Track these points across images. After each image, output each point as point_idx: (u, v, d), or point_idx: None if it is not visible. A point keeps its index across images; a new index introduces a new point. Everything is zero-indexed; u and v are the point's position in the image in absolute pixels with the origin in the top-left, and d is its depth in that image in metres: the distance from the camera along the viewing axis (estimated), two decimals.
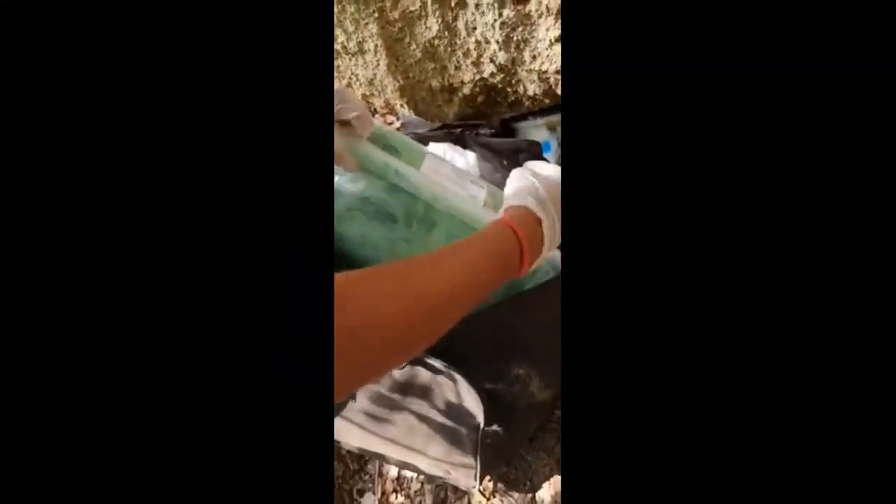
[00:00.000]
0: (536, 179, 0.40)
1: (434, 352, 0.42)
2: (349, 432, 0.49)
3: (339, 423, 0.50)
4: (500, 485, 0.54)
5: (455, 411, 0.43)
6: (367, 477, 0.64)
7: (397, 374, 0.44)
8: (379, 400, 0.46)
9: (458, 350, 0.41)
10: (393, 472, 0.62)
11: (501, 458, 0.48)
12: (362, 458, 0.65)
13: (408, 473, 0.61)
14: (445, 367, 0.41)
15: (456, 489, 0.57)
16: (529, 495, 0.53)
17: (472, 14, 0.61)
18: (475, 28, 0.63)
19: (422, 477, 0.60)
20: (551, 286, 0.44)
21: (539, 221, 0.38)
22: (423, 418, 0.45)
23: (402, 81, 0.75)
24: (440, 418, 0.44)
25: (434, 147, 0.47)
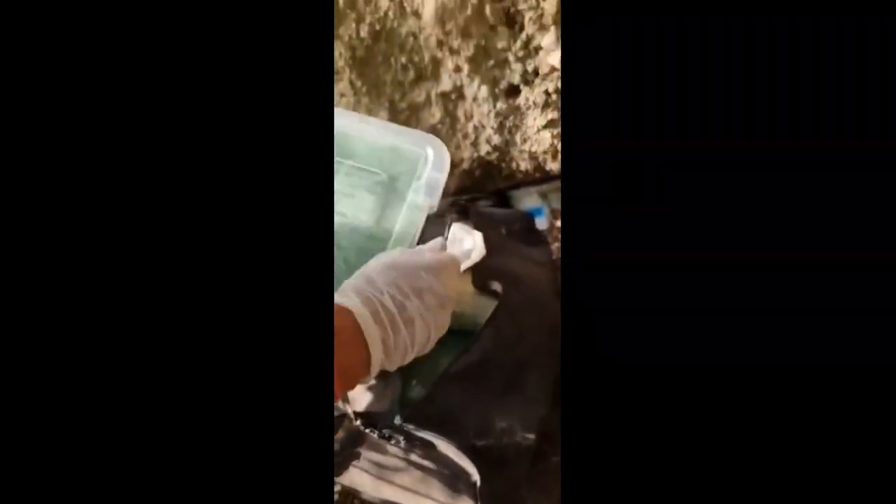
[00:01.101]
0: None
1: (420, 422, 0.45)
2: (362, 479, 0.53)
3: (353, 472, 0.54)
4: None
5: (453, 469, 0.48)
6: None
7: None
8: (387, 453, 0.50)
9: (441, 418, 0.46)
10: None
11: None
12: None
13: None
14: (435, 436, 0.45)
15: None
16: None
17: (471, 105, 0.72)
18: (473, 116, 0.73)
19: None
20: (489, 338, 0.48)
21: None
22: (428, 471, 0.50)
23: None
24: (444, 471, 0.49)
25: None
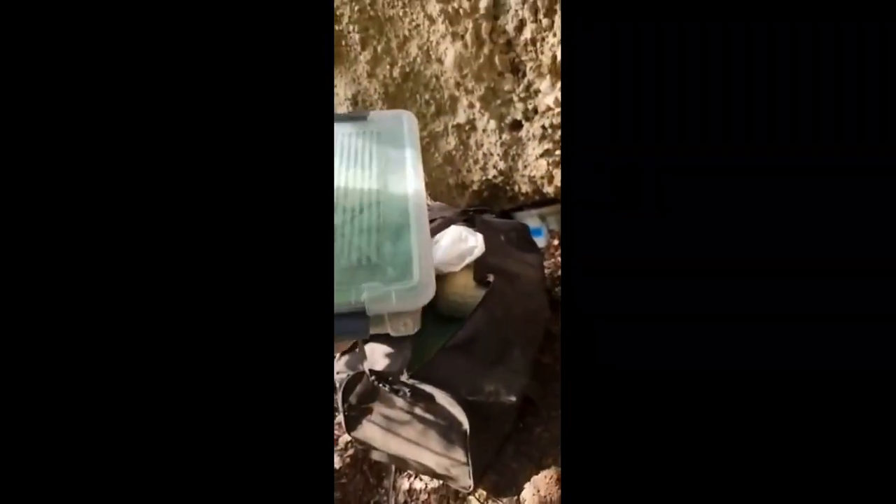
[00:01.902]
0: None
1: (425, 379, 0.56)
2: (373, 433, 0.64)
3: (366, 426, 0.65)
4: (490, 494, 0.67)
5: (448, 419, 0.58)
6: (382, 491, 0.76)
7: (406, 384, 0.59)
8: (395, 407, 0.61)
9: (440, 378, 0.56)
10: (405, 485, 0.74)
11: (486, 456, 0.62)
12: (380, 472, 0.78)
13: (417, 485, 0.73)
14: (434, 389, 0.55)
15: (457, 496, 0.70)
16: (515, 498, 0.65)
17: (481, 136, 0.86)
18: (482, 145, 0.87)
19: (429, 487, 0.72)
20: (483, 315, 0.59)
21: None
22: (428, 422, 0.60)
23: (426, 179, 0.99)
24: (441, 423, 0.59)
25: (455, 228, 0.68)
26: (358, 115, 0.64)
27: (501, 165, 0.89)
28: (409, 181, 0.54)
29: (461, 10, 0.69)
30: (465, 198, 1.00)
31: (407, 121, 0.64)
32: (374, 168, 0.55)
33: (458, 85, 0.79)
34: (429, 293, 0.44)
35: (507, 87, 0.78)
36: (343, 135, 0.59)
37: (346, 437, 0.80)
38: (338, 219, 0.48)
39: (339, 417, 0.82)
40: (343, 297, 0.43)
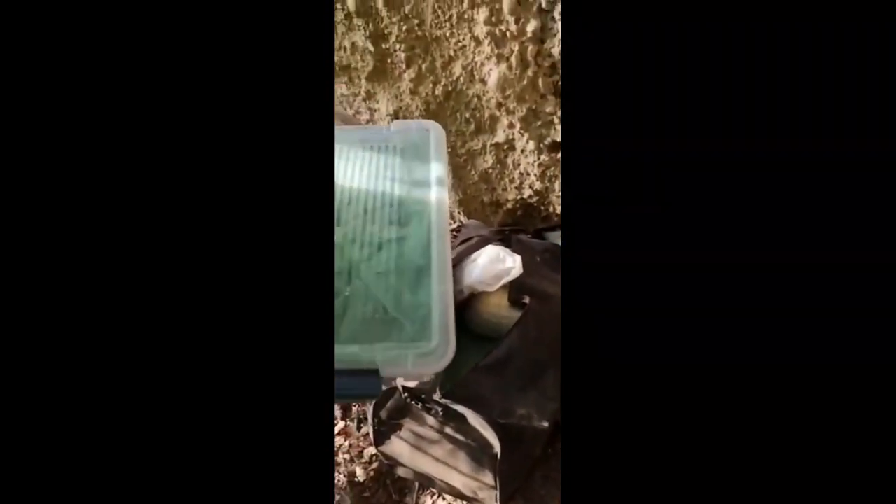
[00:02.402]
0: None
1: (457, 398, 0.55)
2: (401, 449, 0.64)
3: (395, 441, 0.65)
4: None
5: (479, 441, 0.58)
6: None
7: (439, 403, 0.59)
8: (425, 424, 0.61)
9: (472, 398, 0.56)
10: (428, 501, 0.74)
11: (515, 480, 0.61)
12: (403, 489, 0.77)
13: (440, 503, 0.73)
14: (467, 410, 0.56)
15: None
16: None
17: (519, 155, 0.86)
18: (520, 164, 0.87)
19: None
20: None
21: None
22: (458, 443, 0.60)
23: (461, 196, 0.99)
24: (471, 444, 0.59)
25: (492, 248, 0.68)
26: (377, 128, 0.61)
27: (538, 185, 0.89)
28: (433, 210, 0.48)
29: (508, 33, 0.70)
30: (498, 216, 1.00)
31: (434, 134, 0.58)
32: (396, 193, 0.50)
33: (499, 105, 0.80)
34: (448, 357, 0.41)
35: (548, 109, 0.78)
36: (361, 150, 0.55)
37: (370, 450, 0.80)
38: (355, 255, 0.45)
39: (366, 429, 0.82)
40: (353, 355, 0.39)
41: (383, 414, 0.62)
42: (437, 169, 0.51)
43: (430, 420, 0.59)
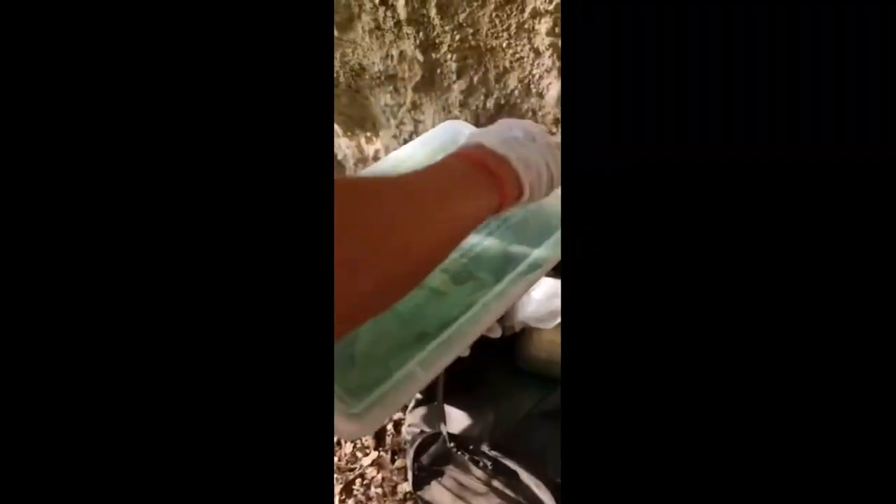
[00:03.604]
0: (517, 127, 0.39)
1: (506, 452, 0.51)
2: (442, 497, 0.59)
3: (435, 488, 0.60)
4: None
5: (531, 500, 0.53)
6: None
7: (488, 458, 0.54)
8: (471, 475, 0.56)
9: (525, 451, 0.51)
10: None
11: None
12: None
13: None
14: (519, 466, 0.51)
15: None
16: None
17: None
18: None
19: None
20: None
21: (502, 160, 0.35)
22: (508, 499, 0.55)
23: None
24: (522, 502, 0.54)
25: (549, 281, 0.62)
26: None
27: None
28: (492, 296, 0.43)
29: None
30: None
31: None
32: (478, 250, 0.47)
33: (556, 121, 0.74)
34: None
35: None
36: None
37: (405, 486, 0.76)
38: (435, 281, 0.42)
39: (400, 462, 0.77)
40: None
41: (425, 459, 0.57)
42: (539, 253, 0.45)
43: (478, 472, 0.54)
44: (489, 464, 0.51)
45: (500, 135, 0.38)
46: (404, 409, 0.68)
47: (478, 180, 0.34)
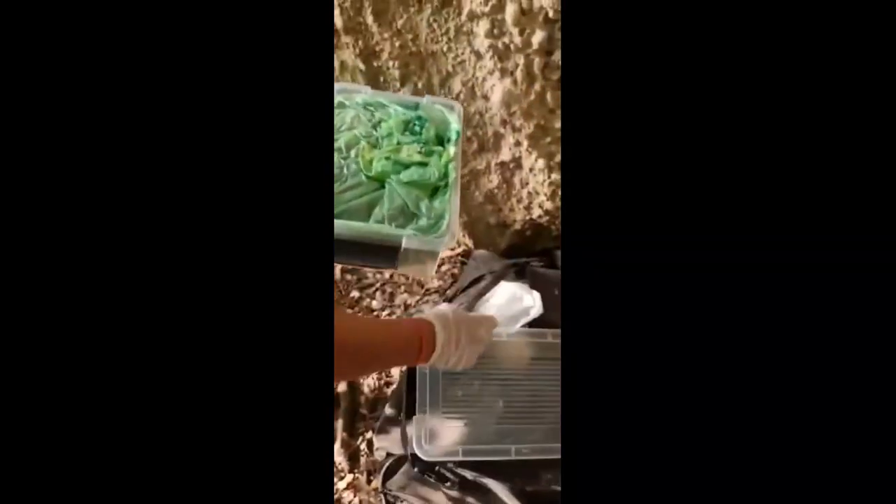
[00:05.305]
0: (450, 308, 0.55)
1: (482, 470, 0.51)
2: None
3: None
4: None
5: None
6: None
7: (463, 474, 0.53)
8: (441, 492, 0.55)
9: (496, 465, 0.50)
10: None
11: None
12: None
13: None
14: (490, 480, 0.50)
15: None
16: None
17: (526, 174, 0.79)
18: (528, 183, 0.80)
19: None
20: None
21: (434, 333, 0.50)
22: None
23: (465, 218, 0.92)
24: None
25: (507, 285, 0.61)
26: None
27: (548, 205, 0.82)
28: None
29: (512, 46, 0.63)
30: (504, 238, 0.93)
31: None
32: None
33: (504, 122, 0.73)
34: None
35: (558, 125, 0.71)
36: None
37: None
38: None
39: (376, 482, 0.75)
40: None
41: (391, 486, 0.55)
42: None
43: (448, 491, 0.53)
44: (457, 481, 0.50)
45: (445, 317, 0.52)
46: (373, 430, 0.66)
47: (411, 347, 0.49)
